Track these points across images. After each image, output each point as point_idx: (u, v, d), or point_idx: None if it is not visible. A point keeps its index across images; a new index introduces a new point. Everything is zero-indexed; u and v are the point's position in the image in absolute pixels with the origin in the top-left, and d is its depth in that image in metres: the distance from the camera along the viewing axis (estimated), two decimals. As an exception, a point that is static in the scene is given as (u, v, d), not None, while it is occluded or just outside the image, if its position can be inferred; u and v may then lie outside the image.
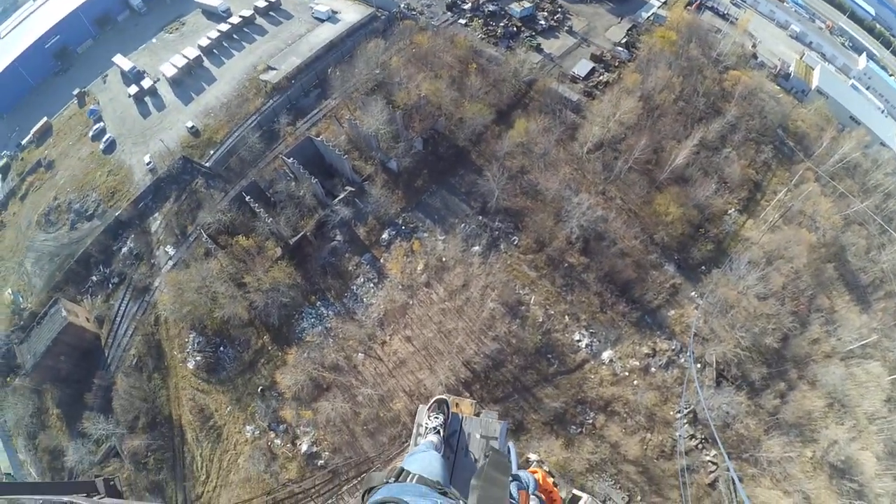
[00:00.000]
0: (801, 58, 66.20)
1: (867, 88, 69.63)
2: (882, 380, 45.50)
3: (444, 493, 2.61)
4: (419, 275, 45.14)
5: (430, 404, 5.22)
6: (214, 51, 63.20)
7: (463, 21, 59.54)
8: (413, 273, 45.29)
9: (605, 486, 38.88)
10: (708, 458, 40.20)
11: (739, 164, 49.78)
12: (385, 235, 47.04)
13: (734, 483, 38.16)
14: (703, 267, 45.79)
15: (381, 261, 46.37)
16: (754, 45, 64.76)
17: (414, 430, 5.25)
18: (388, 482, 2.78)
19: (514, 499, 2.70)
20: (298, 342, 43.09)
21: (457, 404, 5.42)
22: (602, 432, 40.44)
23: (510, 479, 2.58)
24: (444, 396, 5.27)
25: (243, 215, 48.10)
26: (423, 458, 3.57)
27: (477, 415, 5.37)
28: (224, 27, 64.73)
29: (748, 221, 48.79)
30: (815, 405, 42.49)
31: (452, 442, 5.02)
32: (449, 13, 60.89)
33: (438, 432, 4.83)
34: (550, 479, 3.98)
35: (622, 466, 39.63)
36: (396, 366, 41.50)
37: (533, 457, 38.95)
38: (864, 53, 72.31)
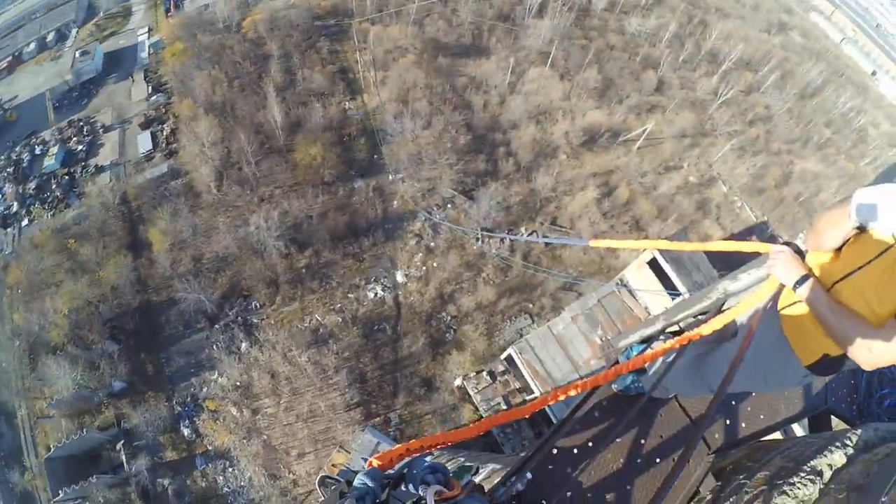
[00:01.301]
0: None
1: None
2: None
3: None
4: (240, 418, 41.47)
5: (320, 493, 4.24)
6: None
7: (26, 222, 51.10)
8: (238, 422, 41.39)
9: (508, 331, 41.29)
10: (524, 238, 44.41)
11: (318, 71, 51.87)
12: (185, 433, 41.57)
13: (543, 237, 43.36)
14: (375, 156, 48.25)
15: (209, 448, 41.25)
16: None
17: None
18: None
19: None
20: None
21: (332, 465, 5.79)
22: (461, 312, 42.48)
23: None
24: (319, 476, 4.40)
25: None
26: None
27: (348, 453, 5.66)
28: None
29: (365, 96, 51.82)
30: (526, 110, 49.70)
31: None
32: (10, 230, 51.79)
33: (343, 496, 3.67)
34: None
35: (496, 309, 42.28)
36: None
37: (457, 382, 38.65)
38: None
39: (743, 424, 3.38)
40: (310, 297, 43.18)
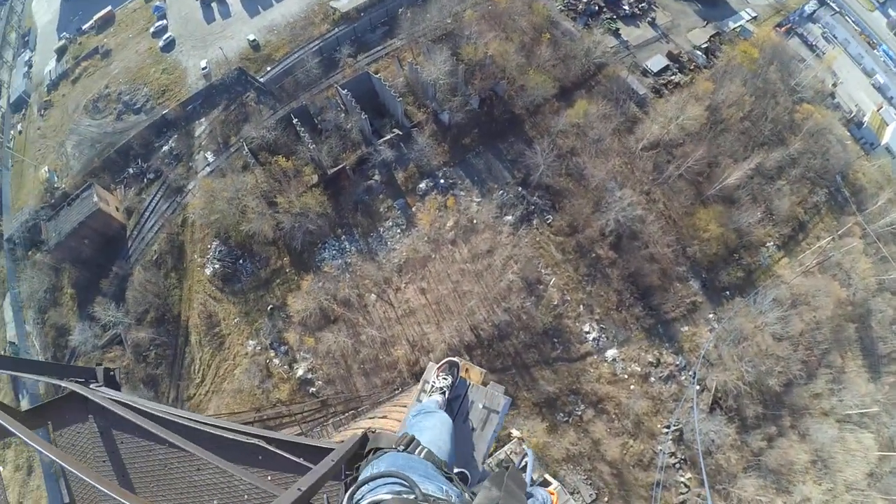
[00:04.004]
0: (877, 110, 61.02)
1: (938, 161, 63.93)
2: (870, 453, 43.48)
3: (450, 479, 2.51)
4: (447, 231, 44.55)
5: (440, 364, 5.22)
6: (289, -34, 58.70)
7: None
8: (441, 228, 44.66)
9: (577, 478, 38.70)
10: (682, 479, 39.66)
11: (790, 200, 47.89)
12: (422, 185, 46.29)
13: (707, 510, 36.89)
14: (728, 292, 44.95)
15: (413, 209, 45.70)
16: (834, 85, 61.10)
17: (419, 386, 5.29)
18: (396, 448, 2.66)
19: None
20: (316, 270, 43.31)
21: (466, 370, 5.34)
22: (587, 426, 40.07)
23: (526, 495, 2.41)
24: (455, 359, 5.26)
25: (287, 137, 47.43)
26: (434, 430, 3.45)
27: (484, 384, 5.32)
28: (304, -56, 62.00)
29: (784, 259, 47.21)
30: (799, 458, 41.48)
31: (454, 406, 5.03)
32: (533, -23, 56.36)
33: (444, 393, 4.85)
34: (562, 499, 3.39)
35: (598, 464, 39.34)
36: (405, 314, 42.29)
37: (515, 433, 36.45)
38: (944, 123, 67.41)
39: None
40: (566, 267, 44.26)
